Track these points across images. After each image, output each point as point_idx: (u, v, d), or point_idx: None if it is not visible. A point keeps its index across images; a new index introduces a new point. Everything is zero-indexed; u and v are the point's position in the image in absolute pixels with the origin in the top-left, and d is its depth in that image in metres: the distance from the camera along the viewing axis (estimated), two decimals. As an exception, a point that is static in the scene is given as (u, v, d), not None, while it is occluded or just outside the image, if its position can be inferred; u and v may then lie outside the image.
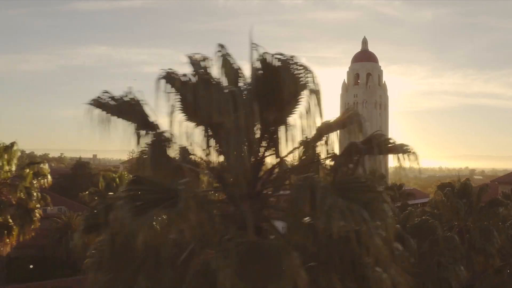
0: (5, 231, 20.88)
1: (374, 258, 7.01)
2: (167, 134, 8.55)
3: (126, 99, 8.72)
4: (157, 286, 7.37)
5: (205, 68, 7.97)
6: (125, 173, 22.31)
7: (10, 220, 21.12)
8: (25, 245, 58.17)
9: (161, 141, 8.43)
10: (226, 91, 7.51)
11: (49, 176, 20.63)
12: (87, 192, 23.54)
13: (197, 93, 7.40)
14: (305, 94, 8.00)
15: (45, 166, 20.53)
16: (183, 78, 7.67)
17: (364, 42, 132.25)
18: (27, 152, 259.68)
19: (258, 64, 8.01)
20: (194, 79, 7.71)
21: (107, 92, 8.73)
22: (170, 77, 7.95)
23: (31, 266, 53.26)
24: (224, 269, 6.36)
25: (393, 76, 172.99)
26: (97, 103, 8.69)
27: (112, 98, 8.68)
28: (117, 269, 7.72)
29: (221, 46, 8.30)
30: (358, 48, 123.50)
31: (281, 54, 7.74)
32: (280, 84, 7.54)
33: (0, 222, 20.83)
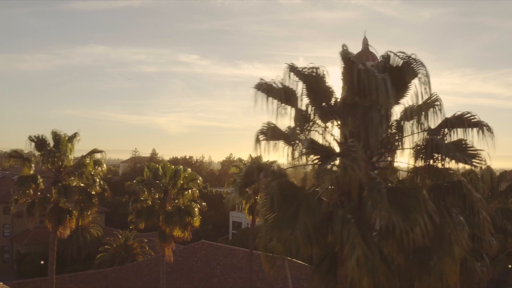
0: (67, 215, 22.34)
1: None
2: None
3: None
4: (312, 221, 9.35)
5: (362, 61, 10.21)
6: (168, 164, 23.81)
7: (68, 205, 22.52)
8: (36, 242, 59.33)
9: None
10: (380, 77, 9.40)
11: (104, 165, 22.08)
12: (134, 181, 24.96)
13: (367, 77, 9.45)
14: (414, 82, 10.19)
15: (103, 155, 22.03)
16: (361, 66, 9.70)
17: (365, 42, 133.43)
18: (26, 152, 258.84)
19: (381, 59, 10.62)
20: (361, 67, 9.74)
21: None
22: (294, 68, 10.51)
23: (42, 262, 54.36)
24: (380, 201, 8.89)
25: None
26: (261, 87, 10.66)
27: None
28: (282, 209, 9.56)
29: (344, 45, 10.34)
30: (356, 47, 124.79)
31: (402, 52, 10.09)
32: (399, 74, 9.84)
33: (63, 207, 22.31)
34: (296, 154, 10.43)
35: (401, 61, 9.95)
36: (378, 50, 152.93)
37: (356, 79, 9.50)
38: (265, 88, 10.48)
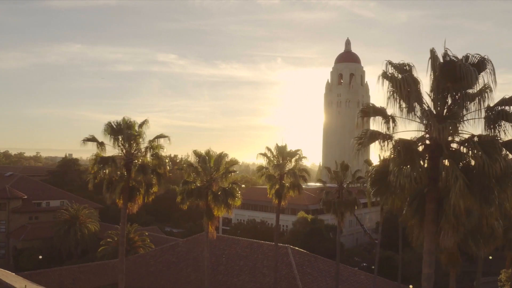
0: (137, 193, 24.34)
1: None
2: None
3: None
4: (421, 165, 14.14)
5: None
6: (212, 151, 26.12)
7: (136, 183, 24.53)
8: (32, 237, 60.24)
9: None
10: (472, 69, 13.41)
11: (165, 149, 24.37)
12: (184, 165, 27.25)
13: (464, 69, 13.45)
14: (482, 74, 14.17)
15: (165, 140, 24.28)
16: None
17: (347, 43, 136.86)
18: (2, 151, 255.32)
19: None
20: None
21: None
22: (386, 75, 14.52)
23: (40, 257, 55.32)
24: (474, 147, 13.41)
25: (369, 77, 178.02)
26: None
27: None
28: (406, 157, 13.81)
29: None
30: (334, 48, 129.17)
31: (478, 54, 14.19)
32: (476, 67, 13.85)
33: (133, 185, 24.36)
34: (391, 125, 14.51)
35: (476, 60, 14.03)
36: (357, 50, 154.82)
37: (457, 70, 13.49)
38: (389, 76, 14.32)
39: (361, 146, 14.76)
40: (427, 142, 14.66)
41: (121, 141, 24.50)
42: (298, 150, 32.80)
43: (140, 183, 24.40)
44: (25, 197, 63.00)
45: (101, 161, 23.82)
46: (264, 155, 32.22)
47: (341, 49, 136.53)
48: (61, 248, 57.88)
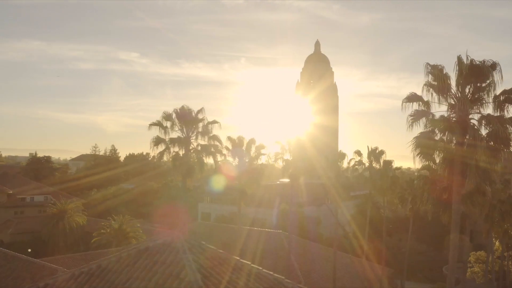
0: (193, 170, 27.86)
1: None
2: None
3: None
4: None
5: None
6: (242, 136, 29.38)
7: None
8: (20, 231, 61.02)
9: None
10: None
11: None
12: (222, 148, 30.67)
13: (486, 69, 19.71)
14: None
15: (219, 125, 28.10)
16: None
17: (317, 44, 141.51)
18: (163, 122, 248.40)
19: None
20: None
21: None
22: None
23: (29, 250, 56.35)
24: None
25: (336, 78, 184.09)
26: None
27: None
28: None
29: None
30: (298, 49, 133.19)
31: (491, 59, 20.32)
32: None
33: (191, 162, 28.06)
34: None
35: (490, 63, 19.65)
36: (323, 51, 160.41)
37: (480, 69, 19.00)
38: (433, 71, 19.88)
39: (413, 119, 19.88)
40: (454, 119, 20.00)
41: (180, 125, 27.54)
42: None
43: (196, 161, 27.50)
44: (11, 192, 63.80)
45: (171, 141, 26.60)
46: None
47: (306, 50, 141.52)
48: (49, 242, 59.05)
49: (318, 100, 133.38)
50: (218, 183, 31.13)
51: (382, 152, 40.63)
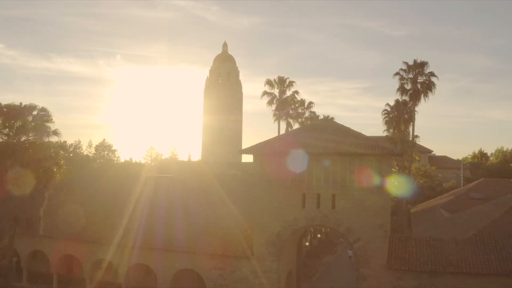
0: None
1: None
2: None
3: None
4: None
5: None
6: None
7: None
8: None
9: None
10: None
11: None
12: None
13: None
14: None
15: None
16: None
17: (225, 45, 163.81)
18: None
19: None
20: None
21: None
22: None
23: None
24: None
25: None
26: None
27: None
28: None
29: None
30: (177, 48, 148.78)
31: None
32: None
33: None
34: None
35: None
36: (198, 53, 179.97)
37: None
38: None
39: None
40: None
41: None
42: None
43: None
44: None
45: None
46: None
47: (183, 49, 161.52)
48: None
49: (224, 96, 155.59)
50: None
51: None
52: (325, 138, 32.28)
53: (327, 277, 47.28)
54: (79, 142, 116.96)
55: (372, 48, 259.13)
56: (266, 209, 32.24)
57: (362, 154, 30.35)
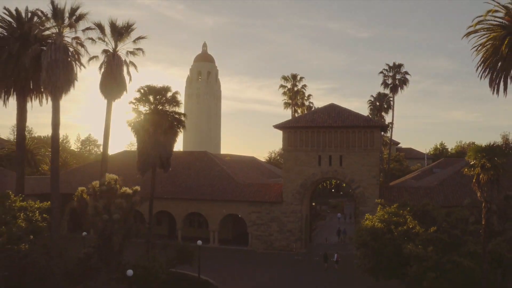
0: None
1: None
2: None
3: None
4: None
5: None
6: None
7: None
8: None
9: None
10: None
11: None
12: None
13: None
14: None
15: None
16: None
17: (204, 45, 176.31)
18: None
19: None
20: None
21: None
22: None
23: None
24: None
25: (174, 79, 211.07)
26: None
27: None
28: None
29: None
30: (143, 46, 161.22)
31: None
32: None
33: None
34: None
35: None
36: (163, 51, 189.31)
37: None
38: None
39: None
40: None
41: None
42: None
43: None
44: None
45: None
46: None
47: (149, 47, 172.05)
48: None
49: (205, 92, 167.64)
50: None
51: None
52: (333, 116, 46.30)
53: (326, 229, 62.17)
54: (67, 136, 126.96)
55: (337, 49, 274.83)
56: (293, 167, 46.03)
57: (360, 126, 44.56)
